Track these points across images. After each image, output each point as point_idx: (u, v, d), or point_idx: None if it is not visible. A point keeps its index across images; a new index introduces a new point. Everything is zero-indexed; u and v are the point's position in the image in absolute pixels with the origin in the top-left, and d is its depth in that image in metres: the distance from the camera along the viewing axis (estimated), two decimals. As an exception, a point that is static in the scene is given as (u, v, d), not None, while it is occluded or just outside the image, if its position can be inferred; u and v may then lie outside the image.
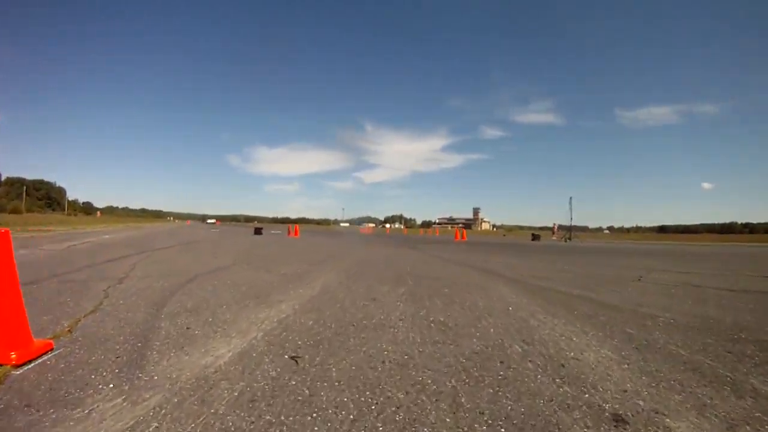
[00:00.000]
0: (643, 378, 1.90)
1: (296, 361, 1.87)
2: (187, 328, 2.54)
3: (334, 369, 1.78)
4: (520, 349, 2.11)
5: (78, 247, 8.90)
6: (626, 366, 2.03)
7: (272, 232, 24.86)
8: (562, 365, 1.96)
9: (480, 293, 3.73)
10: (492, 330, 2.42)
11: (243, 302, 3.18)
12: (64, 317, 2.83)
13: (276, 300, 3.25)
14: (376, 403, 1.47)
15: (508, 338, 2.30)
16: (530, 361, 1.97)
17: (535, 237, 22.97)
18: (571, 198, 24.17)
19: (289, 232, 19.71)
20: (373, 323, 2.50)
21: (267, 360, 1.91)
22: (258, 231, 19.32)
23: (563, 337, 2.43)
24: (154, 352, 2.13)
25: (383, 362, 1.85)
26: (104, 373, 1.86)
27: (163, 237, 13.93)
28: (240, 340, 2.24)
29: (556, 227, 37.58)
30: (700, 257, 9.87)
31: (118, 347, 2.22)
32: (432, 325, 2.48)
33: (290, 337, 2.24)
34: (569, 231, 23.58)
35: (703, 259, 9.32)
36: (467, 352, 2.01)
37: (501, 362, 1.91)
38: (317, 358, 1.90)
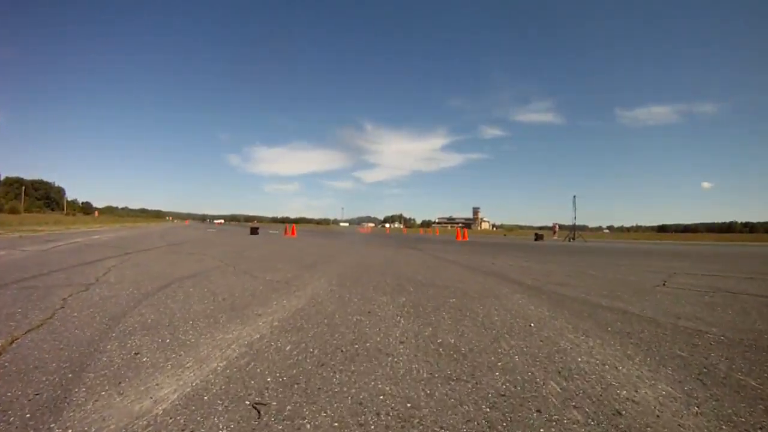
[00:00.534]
0: (724, 428, 1.41)
1: (258, 411, 1.37)
2: (136, 354, 2.05)
3: (308, 425, 1.28)
4: (558, 388, 1.61)
5: (61, 248, 8.41)
6: (697, 409, 1.53)
7: (270, 232, 24.37)
8: (618, 412, 1.46)
9: (493, 303, 3.22)
10: (517, 357, 1.92)
11: (214, 316, 2.68)
12: (3, 334, 2.36)
13: (253, 314, 2.74)
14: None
15: (539, 369, 1.80)
16: (575, 406, 1.47)
17: (538, 237, 22.42)
18: (575, 197, 23.59)
19: (286, 232, 19.22)
20: (367, 348, 1.99)
21: (221, 407, 1.41)
22: (254, 231, 18.80)
23: (606, 366, 1.93)
24: (83, 389, 1.64)
25: (378, 414, 1.34)
26: (12, 419, 1.38)
27: (155, 237, 13.43)
28: (194, 374, 1.74)
29: (557, 227, 37.09)
30: (715, 258, 9.36)
31: (44, 379, 1.74)
32: (441, 350, 1.97)
33: (259, 370, 1.73)
34: (573, 230, 23.01)
35: (720, 259, 8.82)
36: (491, 395, 1.50)
37: (538, 411, 1.40)
38: (288, 407, 1.39)
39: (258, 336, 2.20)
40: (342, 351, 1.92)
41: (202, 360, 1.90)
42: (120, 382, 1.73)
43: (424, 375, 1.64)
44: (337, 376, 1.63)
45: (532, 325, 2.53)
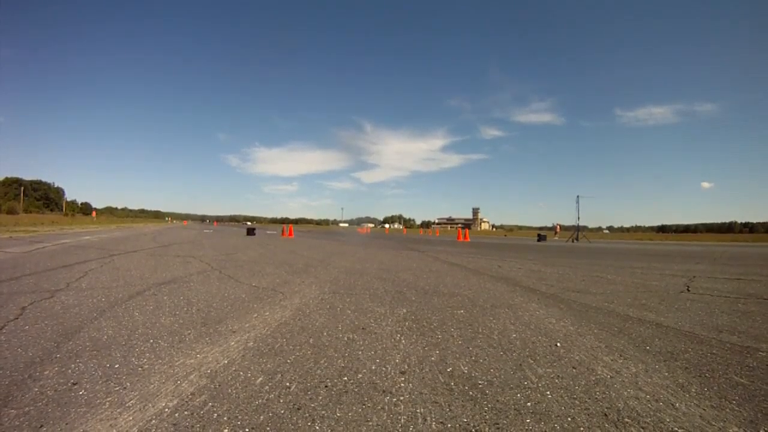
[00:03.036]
0: None
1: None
2: (73, 384, 1.66)
3: None
4: (611, 442, 1.21)
5: (45, 249, 8.00)
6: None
7: (267, 232, 23.96)
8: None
9: (508, 316, 2.80)
10: (549, 394, 1.51)
11: (180, 333, 2.27)
12: (-70, 353, 1.98)
13: (228, 329, 2.33)
14: None
15: (581, 412, 1.39)
16: (643, 476, 1.06)
17: (540, 237, 22.01)
18: (578, 196, 23.15)
19: (283, 233, 18.82)
20: (359, 381, 1.57)
21: (149, 481, 1.01)
22: (251, 231, 18.37)
23: (660, 403, 1.53)
24: (-9, 438, 1.26)
25: (368, 497, 0.94)
26: None
27: (147, 238, 13.01)
28: (133, 419, 1.33)
29: (558, 227, 36.73)
30: (730, 259, 8.95)
31: (-52, 421, 1.35)
32: (452, 384, 1.56)
33: (216, 415, 1.33)
34: (577, 231, 22.58)
35: (735, 261, 8.40)
36: (525, 459, 1.10)
37: (595, 487, 1.00)
38: (242, 482, 0.99)
39: (226, 362, 1.79)
40: (326, 386, 1.50)
41: (148, 397, 1.50)
42: (41, 426, 1.34)
43: (434, 426, 1.23)
44: (317, 427, 1.22)
45: (559, 344, 2.12)
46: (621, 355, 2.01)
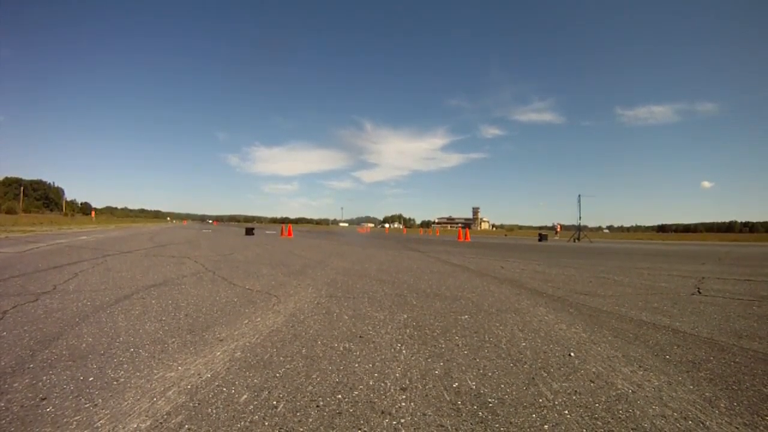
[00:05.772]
0: None
1: None
2: (42, 399, 1.51)
3: None
4: (643, 474, 1.05)
5: (38, 249, 7.85)
6: None
7: (266, 232, 23.79)
8: None
9: (515, 321, 2.64)
10: (567, 413, 1.35)
11: (164, 341, 2.11)
12: None
13: (214, 338, 2.17)
14: None
15: (604, 435, 1.23)
16: None
17: (542, 237, 21.84)
18: (579, 196, 22.97)
19: (282, 233, 18.66)
20: (354, 399, 1.41)
21: None
22: (249, 231, 18.21)
23: (690, 422, 1.37)
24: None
25: None
26: None
27: (144, 238, 12.85)
28: (97, 445, 1.18)
29: (559, 227, 36.58)
30: (736, 260, 8.79)
31: None
32: (459, 402, 1.40)
33: (192, 440, 1.17)
34: (578, 230, 22.40)
35: (741, 262, 8.24)
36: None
37: None
38: None
39: (209, 375, 1.63)
40: (318, 406, 1.34)
41: (120, 416, 1.34)
42: (-2, 451, 1.19)
43: (439, 456, 1.07)
44: (305, 457, 1.06)
45: (572, 354, 1.96)
46: (640, 366, 1.85)
